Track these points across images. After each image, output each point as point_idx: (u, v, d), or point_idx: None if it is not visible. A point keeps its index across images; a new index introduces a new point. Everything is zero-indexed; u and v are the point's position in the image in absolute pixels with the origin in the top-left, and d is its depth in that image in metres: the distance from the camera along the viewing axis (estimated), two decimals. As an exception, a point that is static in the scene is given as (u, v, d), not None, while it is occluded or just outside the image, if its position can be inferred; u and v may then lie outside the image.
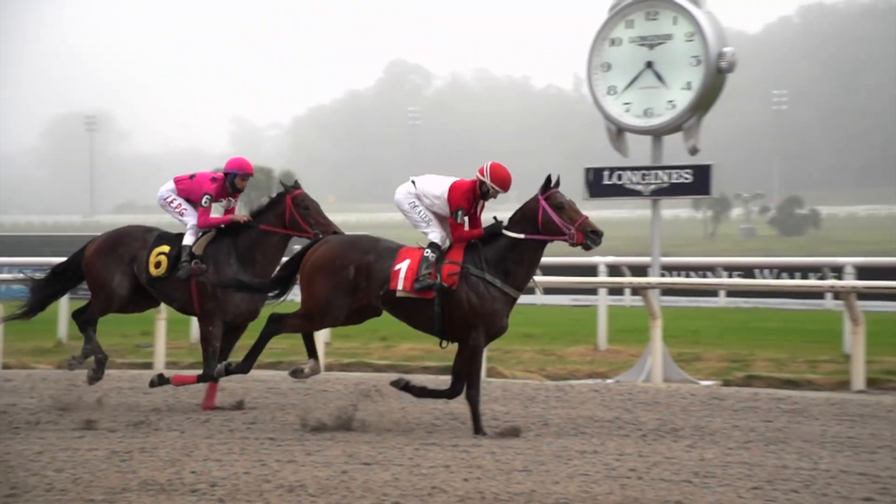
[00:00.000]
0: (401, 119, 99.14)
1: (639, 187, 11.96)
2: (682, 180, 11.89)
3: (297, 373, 8.61)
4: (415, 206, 8.38)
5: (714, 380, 11.51)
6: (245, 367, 8.70)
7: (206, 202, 9.26)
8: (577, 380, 11.47)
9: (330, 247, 8.49)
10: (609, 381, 10.99)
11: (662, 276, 12.49)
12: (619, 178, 12.02)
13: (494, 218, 8.39)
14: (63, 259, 9.98)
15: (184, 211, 9.41)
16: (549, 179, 8.15)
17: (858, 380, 10.74)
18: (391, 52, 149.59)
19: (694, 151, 11.91)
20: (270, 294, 9.01)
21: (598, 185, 12.17)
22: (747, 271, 22.25)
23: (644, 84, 11.91)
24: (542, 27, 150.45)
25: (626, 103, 12.00)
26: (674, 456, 7.25)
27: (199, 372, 9.26)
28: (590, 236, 8.00)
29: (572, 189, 12.40)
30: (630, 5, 11.96)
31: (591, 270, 17.86)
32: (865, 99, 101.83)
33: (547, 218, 8.06)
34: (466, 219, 8.21)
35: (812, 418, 8.84)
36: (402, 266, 8.18)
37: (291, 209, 9.19)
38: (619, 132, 12.20)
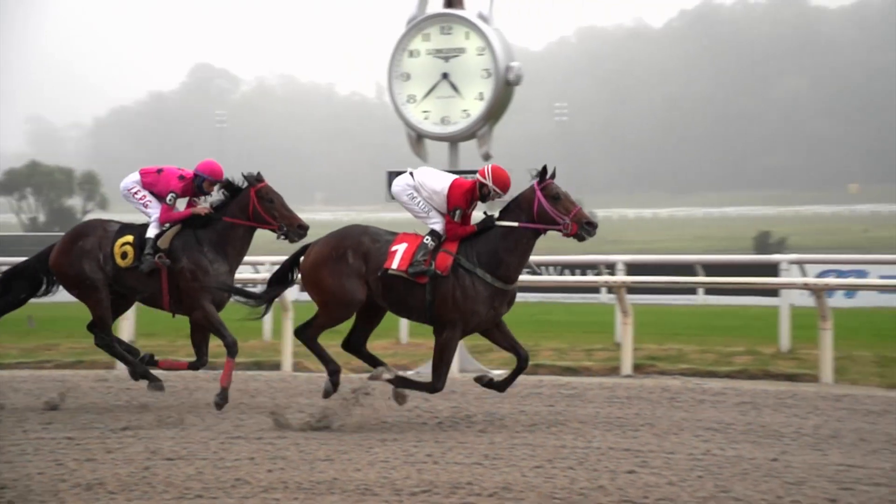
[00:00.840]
0: (207, 122, 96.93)
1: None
2: (476, 184, 12.05)
3: (375, 378, 8.13)
4: (413, 198, 8.13)
5: (505, 369, 11.68)
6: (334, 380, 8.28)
7: (170, 200, 8.89)
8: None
9: (323, 243, 8.22)
10: (410, 372, 11.00)
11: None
12: None
13: (485, 213, 8.13)
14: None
15: (148, 203, 8.99)
16: (545, 169, 7.93)
17: (627, 365, 11.17)
18: (196, 55, 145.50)
19: (487, 157, 12.08)
20: (263, 303, 8.56)
21: (400, 188, 12.21)
22: (533, 268, 22.68)
23: (441, 94, 12.01)
24: (346, 36, 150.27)
25: (425, 111, 12.08)
26: (466, 441, 7.34)
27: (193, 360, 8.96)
28: (584, 227, 7.79)
29: (377, 192, 12.43)
30: (426, 20, 12.05)
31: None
32: (637, 112, 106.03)
33: (542, 208, 7.83)
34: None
35: (587, 401, 9.14)
36: (399, 248, 7.96)
37: (255, 202, 8.81)
38: (418, 138, 12.26)
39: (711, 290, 20.18)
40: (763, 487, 5.98)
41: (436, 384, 7.91)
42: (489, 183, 7.96)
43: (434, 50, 12.01)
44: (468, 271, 7.82)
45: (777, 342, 12.45)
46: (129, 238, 8.85)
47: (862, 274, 18.51)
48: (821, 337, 10.65)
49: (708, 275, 15.62)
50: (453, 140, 12.20)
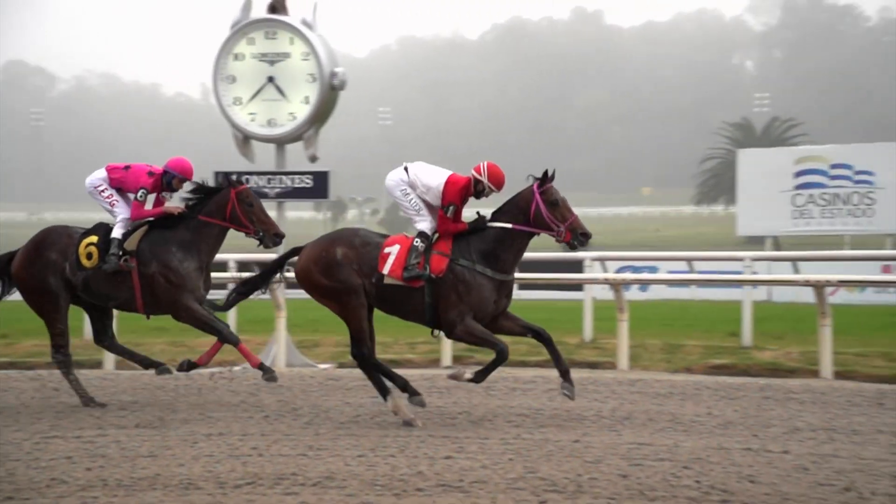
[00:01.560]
0: (23, 119, 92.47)
1: (265, 190, 11.87)
2: (303, 185, 11.99)
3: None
4: (407, 194, 7.74)
5: (331, 363, 11.63)
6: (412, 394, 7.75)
7: (141, 196, 8.39)
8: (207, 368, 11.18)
9: (312, 245, 7.79)
10: (237, 368, 10.79)
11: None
12: (247, 181, 11.86)
13: (478, 213, 7.80)
14: None
15: (115, 202, 8.49)
16: (546, 174, 7.61)
17: (447, 357, 11.31)
18: (8, 52, 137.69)
19: (313, 159, 12.02)
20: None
21: (227, 188, 11.99)
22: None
23: (267, 97, 11.87)
24: (170, 37, 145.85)
25: (252, 113, 11.92)
26: (292, 433, 7.24)
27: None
28: (578, 237, 7.54)
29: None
30: (250, 24, 11.87)
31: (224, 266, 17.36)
32: (456, 118, 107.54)
33: (539, 212, 7.53)
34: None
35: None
36: (392, 250, 7.58)
37: (234, 203, 8.36)
38: (245, 140, 12.08)
39: (524, 285, 20.59)
40: (566, 467, 6.14)
41: (499, 348, 7.51)
42: (485, 180, 7.66)
43: (259, 54, 11.84)
44: (466, 267, 7.53)
45: (581, 333, 12.81)
46: (94, 238, 8.39)
47: (653, 270, 19.30)
48: (618, 328, 11.03)
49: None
50: (280, 142, 12.08)
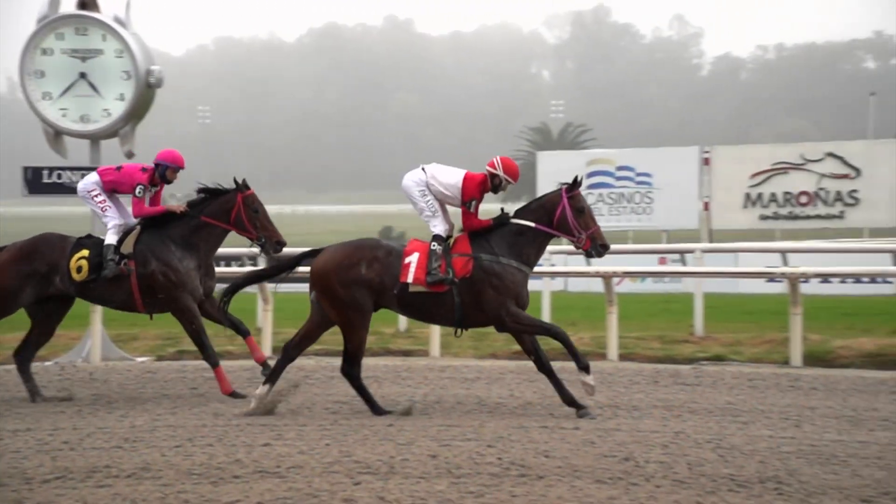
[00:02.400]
0: None
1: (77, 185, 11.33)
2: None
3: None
4: (424, 195, 7.44)
5: (149, 356, 11.21)
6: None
7: (139, 192, 8.04)
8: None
9: (335, 249, 7.42)
10: (48, 363, 10.25)
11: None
12: (59, 177, 11.30)
13: (502, 210, 7.56)
14: None
15: (106, 208, 8.14)
16: (575, 180, 7.45)
17: (267, 348, 11.01)
18: None
19: (130, 155, 11.51)
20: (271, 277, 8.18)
21: (38, 183, 11.33)
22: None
23: (79, 93, 11.29)
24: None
25: (63, 109, 11.30)
26: (107, 426, 6.93)
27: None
28: (597, 248, 7.35)
29: (13, 186, 11.46)
30: (59, 20, 11.26)
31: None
32: (275, 118, 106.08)
33: (564, 216, 7.32)
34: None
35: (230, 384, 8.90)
36: (412, 259, 7.26)
37: (240, 208, 8.05)
38: (56, 135, 11.45)
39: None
40: (379, 450, 6.13)
41: (555, 331, 7.46)
42: (500, 173, 7.47)
43: (70, 49, 11.25)
44: (493, 261, 7.30)
45: (396, 323, 12.86)
46: (84, 252, 8.01)
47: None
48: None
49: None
50: (94, 138, 11.53)
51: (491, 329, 12.36)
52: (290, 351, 7.52)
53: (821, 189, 15.31)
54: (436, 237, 7.38)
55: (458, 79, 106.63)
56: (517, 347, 11.49)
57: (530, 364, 10.13)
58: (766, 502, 4.90)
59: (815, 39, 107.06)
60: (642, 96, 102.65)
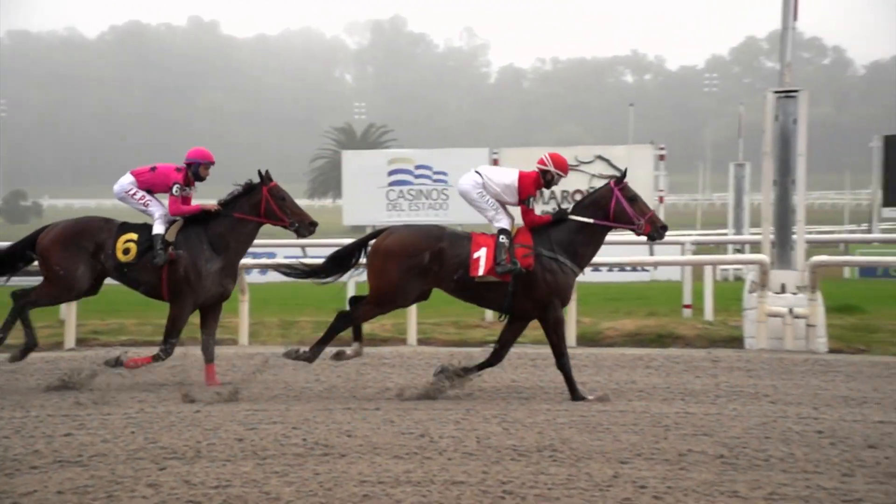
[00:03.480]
0: None
1: None
2: None
3: (339, 355, 7.45)
4: (483, 196, 7.38)
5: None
6: (312, 355, 7.45)
7: (176, 191, 7.89)
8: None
9: (402, 235, 7.35)
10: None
11: None
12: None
13: (558, 206, 6.88)
14: None
15: (148, 202, 7.98)
16: (624, 173, 7.48)
17: (70, 340, 10.61)
18: None
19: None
20: (325, 279, 7.88)
21: None
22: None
23: None
24: None
25: None
26: None
27: (155, 352, 7.82)
28: (657, 230, 7.28)
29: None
30: None
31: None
32: (77, 114, 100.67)
33: (620, 207, 7.23)
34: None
35: (28, 375, 8.40)
36: (481, 254, 7.19)
37: (268, 199, 7.92)
38: None
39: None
40: (186, 435, 5.96)
41: (562, 359, 7.24)
42: (551, 169, 7.36)
43: None
44: (551, 258, 7.21)
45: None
46: (133, 235, 7.88)
47: (272, 255, 19.32)
48: (240, 308, 10.92)
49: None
50: None
51: (299, 318, 12.47)
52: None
53: (592, 187, 16.06)
54: (502, 231, 7.35)
55: (264, 80, 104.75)
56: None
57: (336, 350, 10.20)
58: (542, 468, 5.11)
59: (584, 55, 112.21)
60: (437, 100, 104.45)
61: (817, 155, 14.92)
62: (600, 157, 15.97)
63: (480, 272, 7.20)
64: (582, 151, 15.97)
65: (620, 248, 15.49)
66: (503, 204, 7.47)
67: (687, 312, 12.09)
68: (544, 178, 7.42)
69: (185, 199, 8.04)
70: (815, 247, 13.57)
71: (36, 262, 8.15)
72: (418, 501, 4.58)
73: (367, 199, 17.54)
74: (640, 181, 16.10)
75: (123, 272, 7.93)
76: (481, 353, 7.73)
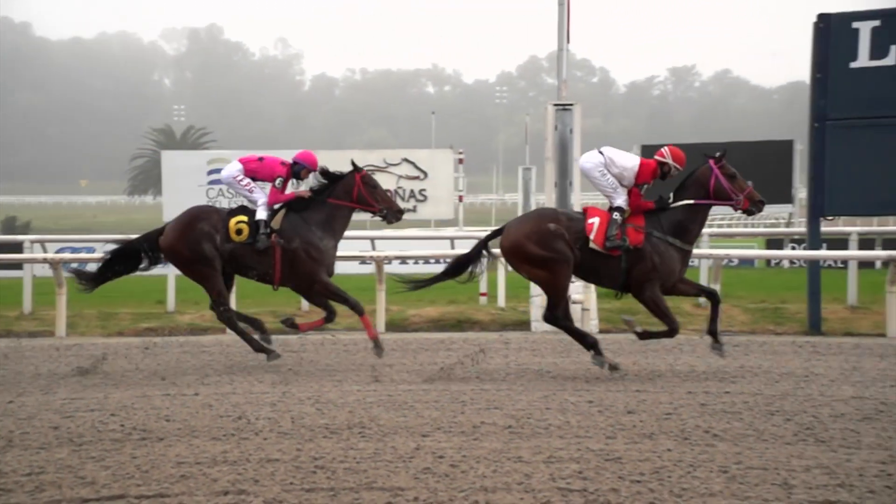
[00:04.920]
0: None
1: None
2: None
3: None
4: (604, 175, 7.21)
5: None
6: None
7: (278, 184, 7.87)
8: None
9: (520, 221, 7.34)
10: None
11: None
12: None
13: (660, 197, 7.27)
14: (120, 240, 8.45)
15: (253, 189, 7.90)
16: (725, 152, 7.26)
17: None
18: None
19: None
20: (459, 279, 7.64)
21: None
22: None
23: None
24: None
25: None
26: None
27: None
28: (756, 204, 7.14)
29: None
30: None
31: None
32: None
33: (719, 185, 7.11)
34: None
35: None
36: (595, 221, 7.12)
37: (360, 187, 7.81)
38: None
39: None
40: (-2, 427, 5.55)
41: (672, 326, 7.25)
42: (669, 161, 7.24)
43: None
44: (661, 239, 7.12)
45: (21, 306, 11.69)
46: (244, 217, 7.76)
47: (91, 250, 18.33)
48: (57, 301, 10.33)
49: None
50: None
51: (119, 309, 11.86)
52: (562, 321, 7.34)
53: (399, 188, 16.20)
54: (617, 208, 7.20)
55: (82, 81, 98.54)
56: (144, 325, 11.05)
57: (157, 339, 9.78)
58: (352, 444, 5.10)
59: (390, 67, 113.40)
60: (255, 105, 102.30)
61: (591, 161, 15.66)
62: (406, 160, 16.14)
63: (592, 236, 7.12)
64: (389, 154, 16.10)
65: (428, 243, 15.77)
66: (625, 184, 7.34)
67: (483, 300, 12.41)
68: (661, 170, 7.33)
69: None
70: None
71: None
72: (234, 479, 4.45)
73: (186, 197, 16.91)
74: (442, 182, 16.52)
75: (235, 258, 7.73)
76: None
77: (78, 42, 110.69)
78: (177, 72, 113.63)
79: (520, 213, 24.67)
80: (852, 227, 15.41)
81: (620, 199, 7.27)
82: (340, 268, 18.25)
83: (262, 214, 7.80)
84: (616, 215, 7.21)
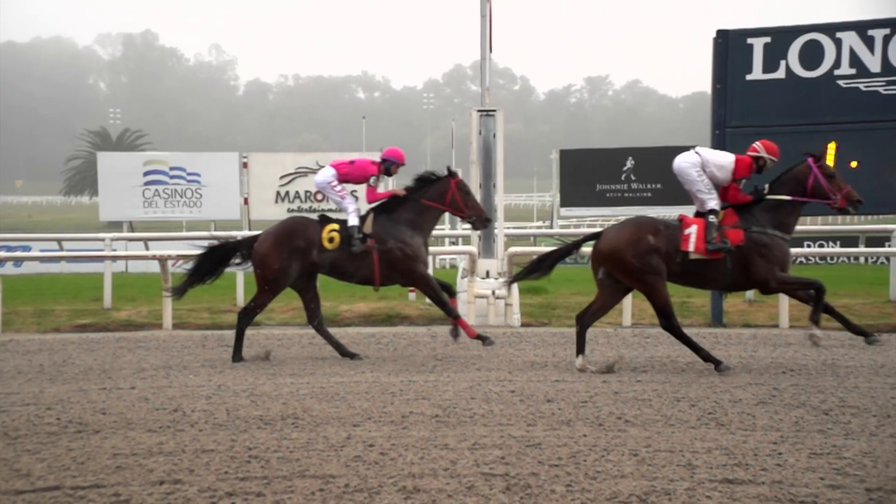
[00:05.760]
0: None
1: None
2: None
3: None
4: (700, 175, 6.93)
5: None
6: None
7: (373, 182, 7.85)
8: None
9: (620, 232, 6.85)
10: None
11: None
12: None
13: (756, 188, 6.96)
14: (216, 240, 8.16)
15: (345, 196, 7.81)
16: (824, 150, 7.10)
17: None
18: None
19: None
20: (532, 275, 7.27)
21: None
22: None
23: None
24: None
25: None
26: None
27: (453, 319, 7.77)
28: (853, 203, 6.86)
29: None
30: None
31: None
32: None
33: (817, 183, 6.83)
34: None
35: None
36: (691, 231, 6.79)
37: (454, 191, 7.71)
38: None
39: None
40: (-65, 425, 5.29)
41: (815, 285, 6.71)
42: (764, 154, 7.01)
43: None
44: (761, 232, 6.80)
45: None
46: (335, 226, 7.68)
47: (27, 248, 17.80)
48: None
49: None
50: None
51: (55, 306, 11.47)
52: (584, 320, 7.01)
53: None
54: (711, 211, 6.93)
55: (15, 85, 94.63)
56: (80, 322, 10.72)
57: (93, 335, 9.50)
58: (285, 434, 5.03)
59: (322, 73, 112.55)
60: (190, 109, 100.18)
61: (512, 163, 15.90)
62: (338, 163, 16.07)
63: (691, 248, 6.79)
64: (322, 157, 15.98)
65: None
66: (715, 184, 7.09)
67: (412, 296, 12.41)
68: (757, 164, 7.10)
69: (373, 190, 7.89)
70: (511, 240, 14.38)
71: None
72: (170, 469, 4.35)
73: (123, 197, 16.58)
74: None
75: (335, 265, 7.64)
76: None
77: (12, 46, 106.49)
78: (112, 76, 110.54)
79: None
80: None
81: (713, 202, 6.97)
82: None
83: (353, 220, 7.72)
84: (712, 218, 6.91)
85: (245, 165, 15.82)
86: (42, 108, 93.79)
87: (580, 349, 6.95)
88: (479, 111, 10.97)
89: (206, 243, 8.03)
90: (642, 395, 5.93)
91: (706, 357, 6.83)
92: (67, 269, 18.13)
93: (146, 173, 16.91)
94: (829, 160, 8.33)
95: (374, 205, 7.86)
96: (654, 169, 16.92)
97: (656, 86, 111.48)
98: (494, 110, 10.97)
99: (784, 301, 9.99)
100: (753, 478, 4.14)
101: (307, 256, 7.60)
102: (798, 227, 7.50)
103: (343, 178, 7.91)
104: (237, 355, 7.59)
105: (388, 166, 8.04)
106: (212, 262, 7.82)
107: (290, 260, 7.56)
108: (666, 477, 4.15)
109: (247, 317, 7.70)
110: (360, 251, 7.62)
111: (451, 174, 7.88)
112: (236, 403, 5.81)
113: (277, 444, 4.81)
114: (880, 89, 10.15)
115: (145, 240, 17.16)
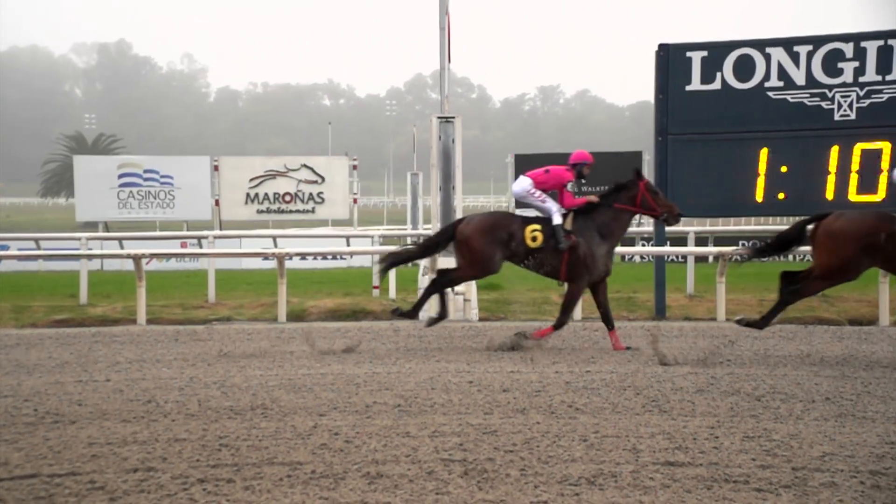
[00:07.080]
0: None
1: None
2: None
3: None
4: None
5: None
6: (763, 323, 7.27)
7: (570, 187, 7.85)
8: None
9: (850, 220, 6.69)
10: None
11: None
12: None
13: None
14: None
15: (545, 199, 7.81)
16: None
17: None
18: None
19: None
20: (763, 258, 7.41)
21: None
22: None
23: None
24: None
25: None
26: None
27: (553, 322, 7.82)
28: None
29: None
30: None
31: None
32: None
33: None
34: None
35: None
36: None
37: (644, 193, 7.70)
38: None
39: None
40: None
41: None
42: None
43: None
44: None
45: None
46: (538, 226, 7.74)
47: (5, 247, 17.38)
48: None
49: None
50: None
51: (32, 303, 11.19)
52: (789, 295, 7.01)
53: (299, 191, 15.97)
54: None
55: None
56: (57, 317, 10.49)
57: (69, 330, 9.30)
58: (255, 424, 4.98)
59: (289, 81, 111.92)
60: (163, 115, 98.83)
61: (470, 167, 15.92)
62: (305, 166, 15.93)
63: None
64: (290, 160, 15.88)
65: (325, 241, 15.59)
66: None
67: (376, 292, 12.37)
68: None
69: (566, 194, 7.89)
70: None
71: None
72: (143, 457, 4.28)
73: (98, 199, 16.32)
74: (338, 185, 16.38)
75: (530, 257, 7.74)
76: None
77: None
78: (87, 83, 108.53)
79: (409, 214, 24.71)
80: (690, 227, 16.17)
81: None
82: (246, 263, 17.97)
83: (557, 220, 7.79)
84: None
85: (216, 168, 15.65)
86: (19, 113, 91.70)
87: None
88: (438, 118, 10.97)
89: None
90: (591, 385, 5.98)
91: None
92: (45, 267, 17.76)
93: (121, 176, 16.68)
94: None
95: (576, 208, 7.88)
96: (601, 173, 17.10)
97: (604, 95, 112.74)
98: (453, 117, 10.98)
99: (722, 296, 10.16)
100: (692, 460, 4.20)
101: (507, 248, 7.76)
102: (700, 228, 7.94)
103: (540, 186, 7.93)
104: (415, 312, 8.07)
105: (580, 169, 8.01)
106: (424, 251, 8.22)
107: (494, 247, 7.73)
108: (613, 460, 4.20)
109: (446, 283, 7.95)
110: (566, 247, 7.71)
111: (639, 177, 7.88)
112: (207, 395, 5.73)
113: (247, 433, 4.76)
114: (805, 100, 10.40)
115: (120, 239, 16.94)
